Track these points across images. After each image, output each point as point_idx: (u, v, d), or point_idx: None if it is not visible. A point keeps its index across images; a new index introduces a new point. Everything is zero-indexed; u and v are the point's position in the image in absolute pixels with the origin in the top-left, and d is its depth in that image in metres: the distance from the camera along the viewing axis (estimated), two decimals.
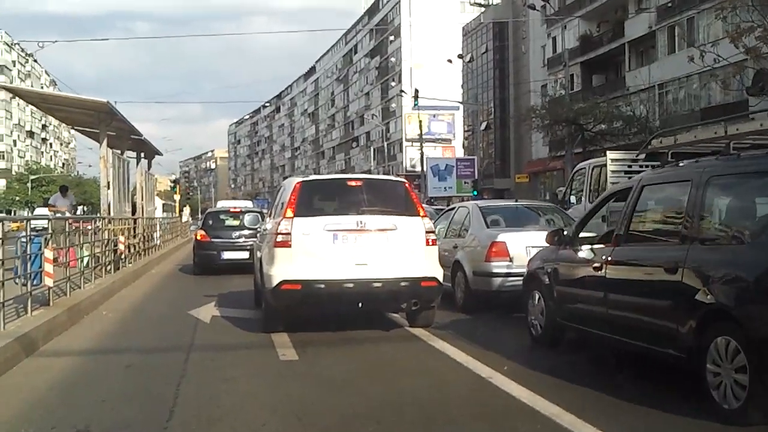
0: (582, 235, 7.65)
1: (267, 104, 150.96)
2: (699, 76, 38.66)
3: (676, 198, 6.15)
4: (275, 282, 8.52)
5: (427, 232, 8.82)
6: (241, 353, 8.08)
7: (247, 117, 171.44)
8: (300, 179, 9.22)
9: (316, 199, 9.16)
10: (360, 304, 8.64)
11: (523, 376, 6.59)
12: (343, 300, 8.62)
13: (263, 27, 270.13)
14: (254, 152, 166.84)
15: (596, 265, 6.80)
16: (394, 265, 8.61)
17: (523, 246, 10.14)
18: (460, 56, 63.60)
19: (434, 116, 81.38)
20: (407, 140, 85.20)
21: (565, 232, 7.88)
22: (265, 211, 18.14)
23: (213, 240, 18.77)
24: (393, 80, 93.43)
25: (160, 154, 26.98)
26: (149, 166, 26.05)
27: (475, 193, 47.01)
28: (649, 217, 6.72)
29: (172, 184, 45.46)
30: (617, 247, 6.64)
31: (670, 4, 42.35)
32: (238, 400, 5.96)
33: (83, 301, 11.23)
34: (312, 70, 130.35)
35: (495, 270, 10.14)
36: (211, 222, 19.91)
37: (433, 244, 8.87)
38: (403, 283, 8.57)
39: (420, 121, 68.49)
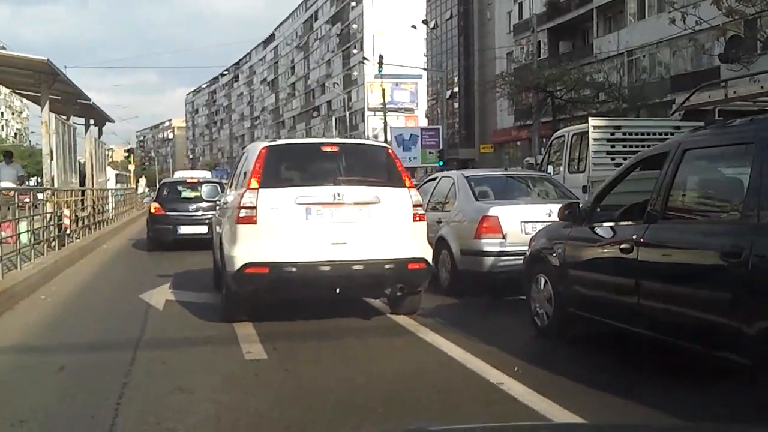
0: (600, 210, 6.53)
1: (225, 72, 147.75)
2: (669, 42, 38.04)
3: (733, 165, 5.04)
4: (238, 264, 7.29)
5: (414, 206, 7.63)
6: (199, 351, 6.85)
7: (205, 86, 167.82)
8: (266, 144, 7.94)
9: (286, 168, 7.90)
10: (338, 290, 7.44)
11: (540, 381, 5.45)
12: (318, 285, 7.43)
13: None
14: (213, 122, 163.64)
15: (624, 246, 5.68)
16: (377, 245, 7.43)
17: (518, 221, 9.03)
18: (425, 22, 62.13)
19: (397, 85, 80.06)
20: (369, 109, 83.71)
21: (581, 206, 6.71)
22: (224, 181, 16.80)
23: (168, 213, 17.33)
24: (355, 48, 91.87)
25: (111, 121, 25.35)
26: (100, 133, 24.47)
27: (441, 163, 45.88)
28: (695, 189, 5.61)
29: (127, 154, 43.55)
30: (652, 224, 5.51)
31: None
32: (193, 421, 4.75)
33: (18, 284, 9.90)
34: (271, 38, 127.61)
35: (486, 248, 9.00)
36: (166, 193, 18.43)
37: (421, 220, 7.69)
38: (387, 266, 7.39)
39: (383, 90, 67.11)
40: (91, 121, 22.60)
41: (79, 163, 21.15)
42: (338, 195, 7.37)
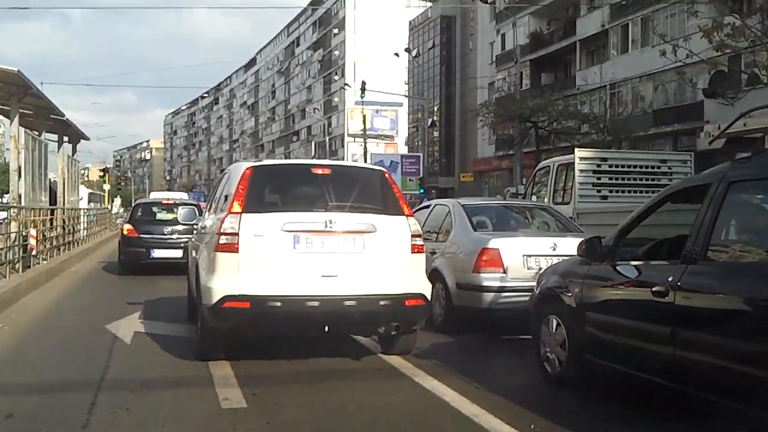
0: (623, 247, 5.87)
1: (205, 95, 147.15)
2: (652, 76, 37.91)
3: None
4: (216, 297, 6.53)
5: (413, 236, 6.92)
6: (169, 396, 6.02)
7: (185, 107, 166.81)
8: (250, 164, 7.19)
9: (272, 191, 7.17)
10: (327, 328, 6.70)
11: None
12: (305, 322, 6.68)
13: (204, 17, 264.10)
14: (191, 143, 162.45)
15: (657, 288, 5.00)
16: (372, 278, 6.71)
17: (520, 254, 8.35)
18: (408, 50, 61.88)
19: (377, 112, 79.75)
20: (349, 135, 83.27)
21: (603, 242, 6.03)
22: (203, 204, 16.00)
23: (141, 236, 16.44)
24: (336, 74, 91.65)
25: (86, 138, 24.52)
26: (74, 151, 23.67)
27: (422, 191, 45.30)
28: (743, 226, 4.97)
29: (102, 174, 42.55)
30: (691, 265, 4.85)
31: (623, 2, 41.41)
32: None
33: None
34: (252, 62, 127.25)
35: (486, 283, 8.30)
36: (140, 215, 17.54)
37: (419, 252, 6.97)
38: (382, 302, 6.66)
39: (364, 116, 66.75)
40: (65, 138, 21.77)
41: (51, 180, 20.31)
42: (330, 222, 6.64)
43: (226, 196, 7.27)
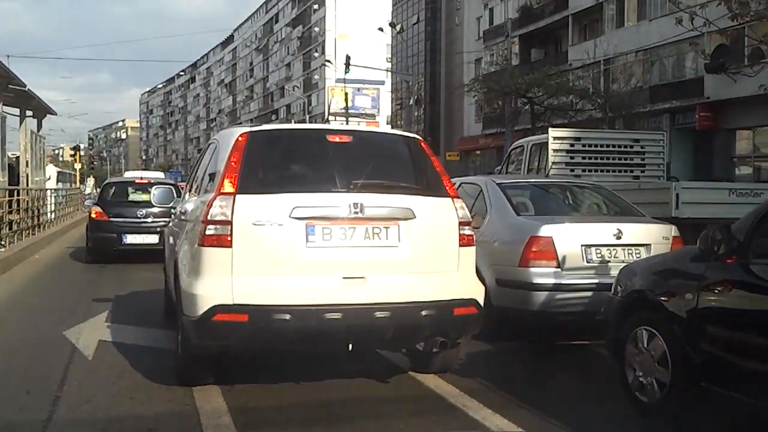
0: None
1: (182, 73, 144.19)
2: (649, 51, 36.44)
3: None
4: (202, 308, 4.85)
5: (461, 224, 5.29)
6: None
7: (161, 86, 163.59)
8: (246, 129, 5.46)
9: (275, 165, 5.36)
10: (350, 346, 5.06)
11: None
12: (322, 340, 5.03)
13: None
14: (167, 123, 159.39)
15: None
16: (410, 281, 5.09)
17: (578, 244, 6.74)
18: (392, 24, 59.87)
19: (358, 90, 78.16)
20: (330, 114, 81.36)
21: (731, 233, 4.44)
22: (182, 185, 14.18)
23: (112, 219, 14.54)
24: (316, 51, 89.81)
25: (52, 112, 22.58)
26: (39, 126, 21.74)
27: None
28: None
29: (73, 152, 40.40)
30: None
31: None
32: None
33: None
34: (230, 39, 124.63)
35: (536, 279, 6.67)
36: (110, 196, 15.65)
37: (469, 244, 5.33)
38: (424, 312, 5.00)
39: (346, 94, 65.09)
40: (28, 112, 19.87)
41: (11, 158, 18.49)
42: (355, 207, 4.99)
43: (212, 173, 5.57)
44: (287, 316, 4.78)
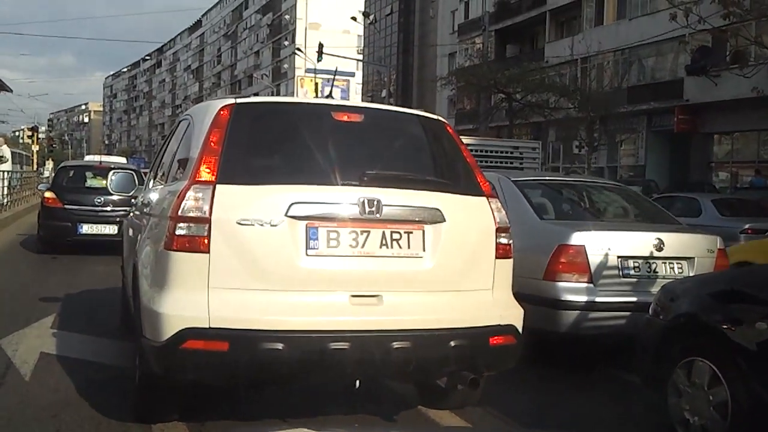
0: None
1: (147, 57, 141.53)
2: (629, 50, 35.79)
3: None
4: (168, 332, 3.73)
5: (498, 231, 4.26)
6: None
7: (125, 70, 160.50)
8: (230, 101, 4.28)
9: (267, 148, 4.25)
10: (358, 383, 3.99)
11: None
12: (324, 375, 3.98)
13: None
14: (132, 108, 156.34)
15: None
16: (437, 302, 4.04)
17: (614, 255, 5.75)
18: (366, 14, 58.68)
19: (328, 81, 76.71)
20: None
21: None
22: (144, 170, 12.91)
23: (67, 206, 13.28)
24: (286, 39, 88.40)
25: (7, 89, 21.12)
26: None
27: None
28: None
29: (30, 133, 38.56)
30: None
31: None
32: None
33: None
34: (198, 24, 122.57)
35: (565, 296, 5.67)
36: (65, 181, 14.34)
37: (507, 256, 4.31)
38: (454, 342, 3.93)
39: (316, 84, 63.81)
40: None
41: None
42: (370, 205, 3.91)
43: (184, 157, 4.43)
44: (280, 345, 3.67)
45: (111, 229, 12.74)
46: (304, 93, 72.81)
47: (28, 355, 5.77)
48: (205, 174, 3.91)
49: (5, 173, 22.37)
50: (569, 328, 5.66)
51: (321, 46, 44.26)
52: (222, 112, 4.12)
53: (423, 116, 4.75)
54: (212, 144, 4.00)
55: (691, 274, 5.89)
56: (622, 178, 32.75)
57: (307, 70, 68.77)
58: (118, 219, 12.16)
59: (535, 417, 4.95)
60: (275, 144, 4.22)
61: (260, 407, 4.60)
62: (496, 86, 32.27)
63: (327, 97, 5.57)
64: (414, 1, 62.98)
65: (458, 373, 4.11)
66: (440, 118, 4.72)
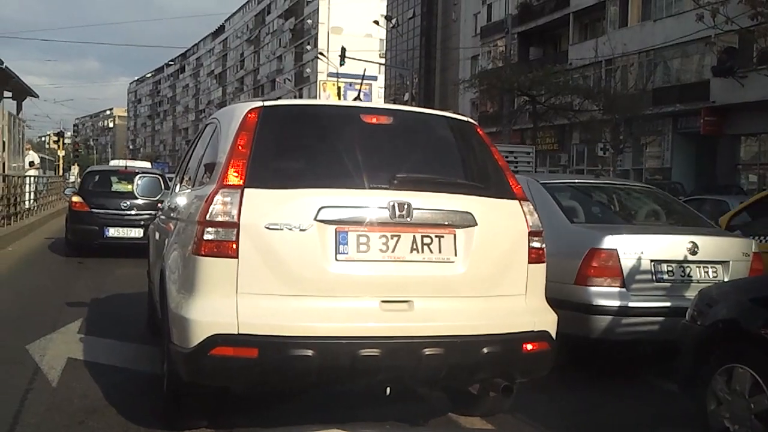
0: None
1: (171, 63, 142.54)
2: (654, 52, 35.48)
3: None
4: (197, 338, 3.68)
5: (531, 235, 4.19)
6: None
7: (149, 75, 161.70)
8: (257, 104, 4.22)
9: (295, 152, 4.18)
10: (389, 390, 3.93)
11: None
12: (355, 381, 3.92)
13: None
14: (155, 113, 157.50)
15: None
16: (469, 308, 3.97)
17: (647, 259, 5.65)
18: (388, 18, 58.71)
19: (351, 85, 76.82)
20: None
21: None
22: (169, 175, 12.93)
23: (94, 210, 13.47)
24: (308, 44, 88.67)
25: (33, 94, 21.27)
26: (18, 109, 20.45)
27: None
28: None
29: (56, 138, 38.96)
30: None
31: None
32: None
33: None
34: (221, 29, 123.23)
35: (597, 301, 5.57)
36: (92, 185, 14.53)
37: (540, 261, 4.23)
38: (486, 349, 3.86)
39: (339, 88, 64.02)
40: (7, 94, 18.59)
41: None
42: (401, 209, 3.85)
43: (212, 161, 4.40)
44: (309, 352, 3.62)
45: (136, 233, 12.91)
46: (327, 97, 73.01)
47: (56, 360, 5.76)
48: (233, 178, 3.86)
49: (32, 178, 22.55)
50: (601, 333, 5.56)
51: (343, 50, 44.26)
52: (250, 116, 4.08)
53: (453, 118, 4.68)
54: (240, 147, 3.96)
55: (725, 279, 5.77)
56: (647, 180, 32.46)
57: (330, 74, 69.01)
58: (142, 222, 12.53)
59: (568, 425, 4.86)
60: (303, 147, 4.18)
61: (289, 413, 4.54)
62: (519, 89, 32.10)
63: (355, 100, 5.51)
64: (436, 5, 62.84)
65: (490, 380, 4.03)
66: (470, 119, 4.64)
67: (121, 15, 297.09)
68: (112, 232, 13.37)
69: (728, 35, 25.18)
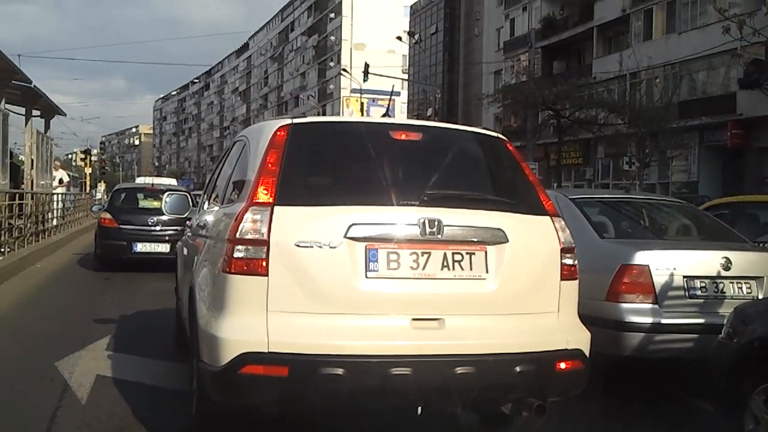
0: None
1: (196, 80, 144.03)
2: (680, 64, 35.24)
3: None
4: (227, 357, 3.68)
5: (563, 251, 4.13)
6: None
7: (175, 93, 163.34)
8: (286, 121, 4.20)
9: (324, 169, 4.19)
10: (420, 410, 3.89)
11: None
12: (386, 400, 3.86)
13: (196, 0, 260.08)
14: (180, 130, 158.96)
15: None
16: (501, 326, 3.92)
17: (679, 275, 5.55)
18: (411, 33, 58.92)
19: (373, 101, 77.10)
20: None
21: None
22: (196, 192, 13.09)
23: (122, 227, 13.94)
24: (332, 60, 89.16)
25: (62, 113, 21.51)
26: (46, 127, 20.69)
27: None
28: None
29: (83, 156, 39.37)
30: None
31: None
32: None
33: None
34: (245, 47, 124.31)
35: (629, 317, 5.48)
36: (120, 202, 15.04)
37: (572, 277, 4.16)
38: (519, 367, 3.80)
39: (362, 104, 64.23)
40: (35, 112, 18.81)
41: (18, 159, 17.44)
42: (431, 226, 3.82)
43: (241, 179, 4.38)
44: (340, 371, 3.58)
45: (163, 248, 13.36)
46: (350, 113, 73.22)
47: (84, 378, 5.77)
48: (263, 195, 3.85)
49: (60, 195, 22.78)
50: (634, 351, 5.47)
51: (367, 66, 44.46)
52: (279, 133, 4.07)
53: (482, 134, 4.65)
54: (269, 165, 3.95)
55: (760, 295, 5.66)
56: (674, 194, 32.16)
57: (353, 90, 69.26)
58: (167, 238, 13.08)
59: None
60: (333, 164, 4.16)
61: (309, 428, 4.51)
62: (543, 103, 31.99)
63: (383, 116, 5.50)
64: (459, 20, 62.97)
65: (523, 400, 3.97)
66: (500, 135, 4.60)
67: (147, 34, 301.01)
68: (140, 247, 13.78)
69: (755, 47, 24.99)
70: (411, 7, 70.55)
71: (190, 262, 5.20)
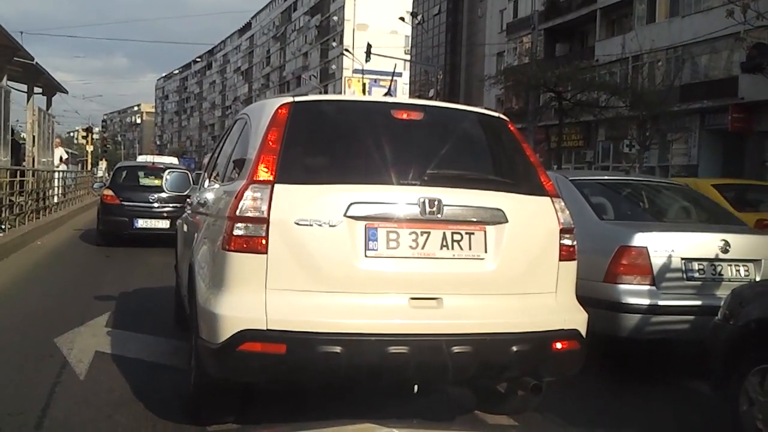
0: None
1: (198, 59, 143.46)
2: (682, 48, 35.08)
3: None
4: (226, 334, 3.68)
5: (562, 232, 4.14)
6: None
7: (177, 72, 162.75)
8: (288, 99, 4.20)
9: (325, 147, 4.18)
10: (416, 388, 3.92)
11: None
12: (383, 378, 3.90)
13: None
14: (182, 109, 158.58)
15: None
16: (499, 305, 3.94)
17: (677, 257, 5.57)
18: (414, 14, 58.63)
19: (375, 81, 76.79)
20: None
21: None
22: (196, 171, 13.18)
23: (123, 203, 14.24)
24: (334, 41, 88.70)
25: (63, 91, 21.41)
26: (48, 104, 20.66)
27: None
28: None
29: (85, 134, 39.28)
30: None
31: None
32: None
33: None
34: (247, 26, 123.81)
35: (626, 299, 5.50)
36: (121, 180, 15.34)
37: (570, 258, 4.18)
38: (516, 347, 3.82)
39: (364, 84, 64.05)
40: (37, 89, 18.77)
41: (19, 137, 17.43)
42: (431, 205, 3.82)
43: (241, 157, 4.38)
44: (338, 348, 3.60)
45: (163, 224, 13.67)
46: (352, 93, 73.04)
47: (83, 354, 5.80)
48: (264, 173, 3.85)
49: (61, 173, 22.79)
50: (630, 332, 5.49)
51: (369, 46, 44.30)
52: (280, 111, 4.07)
53: (484, 114, 4.65)
54: (270, 143, 3.95)
55: (757, 278, 5.69)
56: (674, 177, 32.12)
57: (355, 71, 69.06)
58: (167, 214, 13.53)
59: (595, 424, 4.80)
60: (334, 143, 4.16)
61: (315, 409, 4.53)
62: (545, 85, 31.88)
63: (385, 95, 5.49)
64: (462, 1, 62.66)
65: (519, 379, 3.99)
66: (501, 115, 4.60)
67: (149, 12, 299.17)
68: (141, 223, 14.10)
69: (758, 31, 24.86)
70: None
71: (189, 240, 5.22)
